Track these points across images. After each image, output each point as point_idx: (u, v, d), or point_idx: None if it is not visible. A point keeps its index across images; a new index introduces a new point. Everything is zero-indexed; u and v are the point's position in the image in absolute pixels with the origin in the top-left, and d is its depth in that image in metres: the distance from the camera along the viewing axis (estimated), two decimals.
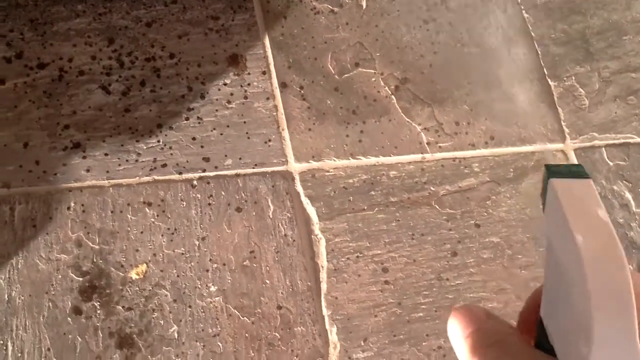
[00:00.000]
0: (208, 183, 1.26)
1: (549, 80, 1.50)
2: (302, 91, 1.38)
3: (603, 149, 1.46)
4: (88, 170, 1.22)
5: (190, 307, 1.16)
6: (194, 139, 1.28)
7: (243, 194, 1.26)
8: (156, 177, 1.24)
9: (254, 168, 1.29)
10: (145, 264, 1.17)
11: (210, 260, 1.20)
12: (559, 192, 0.40)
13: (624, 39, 1.58)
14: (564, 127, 1.46)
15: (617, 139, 1.47)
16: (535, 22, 1.55)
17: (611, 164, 1.44)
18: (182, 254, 1.19)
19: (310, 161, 1.32)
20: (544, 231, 0.42)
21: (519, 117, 1.45)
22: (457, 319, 0.48)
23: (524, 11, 1.56)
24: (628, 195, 1.42)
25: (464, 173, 1.38)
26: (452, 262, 1.30)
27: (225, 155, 1.29)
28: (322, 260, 1.25)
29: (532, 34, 1.54)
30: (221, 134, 1.30)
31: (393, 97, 1.41)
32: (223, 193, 1.26)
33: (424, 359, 1.22)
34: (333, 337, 1.20)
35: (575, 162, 1.43)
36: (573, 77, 1.51)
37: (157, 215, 1.21)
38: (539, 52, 1.52)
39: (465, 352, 0.47)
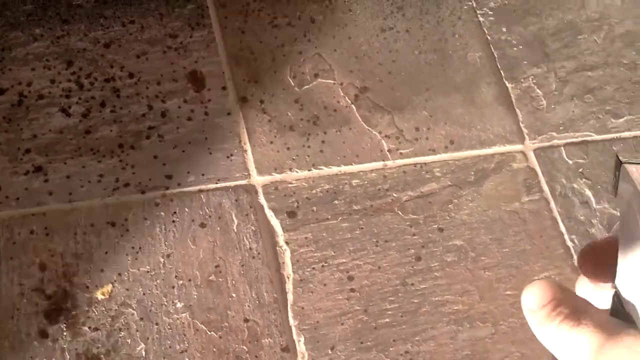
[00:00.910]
0: (171, 200, 1.27)
1: (506, 82, 1.52)
2: (263, 105, 1.39)
3: (562, 148, 1.48)
4: (50, 194, 1.23)
5: (157, 324, 1.17)
6: (155, 157, 1.30)
7: (207, 210, 1.28)
8: (119, 197, 1.25)
9: (216, 183, 1.30)
10: (110, 284, 1.18)
11: (176, 276, 1.21)
12: (633, 174, 0.46)
13: (579, 39, 1.61)
14: (522, 128, 1.48)
15: (576, 138, 1.49)
16: (490, 25, 1.58)
17: (570, 162, 1.47)
18: (148, 272, 1.20)
19: (273, 174, 1.34)
20: (620, 212, 0.49)
21: (477, 121, 1.47)
22: (532, 291, 0.49)
23: (479, 15, 1.58)
24: (588, 193, 1.44)
25: (425, 178, 1.39)
26: (416, 267, 1.31)
27: (188, 172, 1.30)
28: (288, 272, 1.26)
29: (488, 37, 1.56)
30: (183, 151, 1.31)
31: (353, 106, 1.43)
32: (187, 209, 1.27)
33: None
34: (301, 347, 1.21)
35: (535, 162, 1.45)
36: (530, 79, 1.54)
37: (121, 235, 1.22)
38: (496, 55, 1.55)
39: (539, 323, 0.48)
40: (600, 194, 1.45)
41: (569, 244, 1.39)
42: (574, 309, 0.47)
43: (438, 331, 1.27)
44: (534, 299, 0.49)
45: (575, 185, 1.45)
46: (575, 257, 1.38)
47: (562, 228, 1.40)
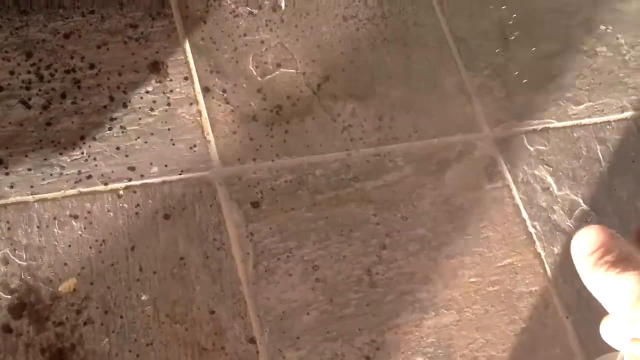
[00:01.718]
0: (134, 192, 1.26)
1: (467, 71, 1.53)
2: (225, 95, 1.39)
3: (523, 135, 1.49)
4: (12, 187, 1.21)
5: (121, 317, 1.17)
6: (118, 148, 1.29)
7: (170, 201, 1.27)
8: (81, 190, 1.24)
9: (180, 174, 1.30)
10: (74, 278, 1.17)
11: (140, 269, 1.21)
12: None
13: (539, 27, 1.62)
14: (484, 117, 1.49)
15: (537, 125, 1.51)
16: (451, 14, 1.58)
17: (532, 149, 1.48)
18: (112, 265, 1.20)
19: (236, 164, 1.34)
20: None
21: (439, 110, 1.48)
22: (581, 238, 0.49)
23: (440, 4, 1.59)
24: (549, 179, 1.46)
25: (388, 167, 1.40)
26: (380, 256, 1.32)
27: (151, 163, 1.29)
28: (252, 263, 1.26)
29: (449, 26, 1.57)
30: (145, 142, 1.31)
31: (316, 95, 1.43)
32: (150, 201, 1.26)
33: (357, 353, 1.24)
34: (266, 338, 1.21)
35: (497, 150, 1.46)
36: (491, 67, 1.55)
37: (84, 228, 1.21)
38: (457, 44, 1.55)
39: (587, 270, 0.48)
40: (562, 180, 1.46)
41: (531, 230, 1.41)
42: (622, 256, 0.47)
43: (403, 319, 1.28)
44: (583, 246, 0.49)
45: (536, 172, 1.46)
46: (537, 243, 1.40)
47: (525, 214, 1.42)
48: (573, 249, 0.50)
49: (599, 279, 0.47)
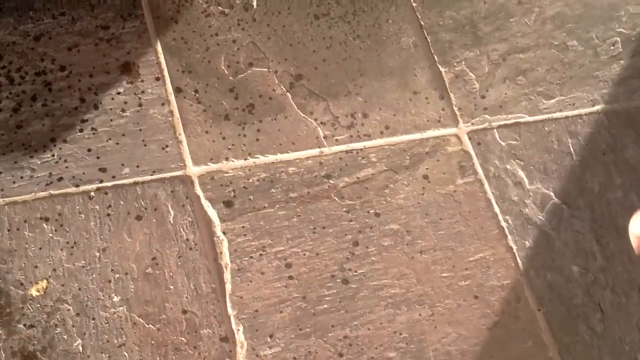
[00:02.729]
0: (106, 193, 1.26)
1: (439, 66, 1.54)
2: (197, 94, 1.39)
3: (495, 130, 1.50)
4: None
5: (93, 319, 1.17)
6: (89, 150, 1.29)
7: (142, 202, 1.27)
8: (52, 192, 1.24)
9: (152, 175, 1.30)
10: (45, 280, 1.17)
11: (112, 270, 1.21)
12: None
13: (510, 21, 1.63)
14: (456, 112, 1.50)
15: (508, 120, 1.52)
16: (423, 10, 1.59)
17: (503, 144, 1.49)
18: (83, 266, 1.20)
19: (209, 164, 1.34)
20: None
21: (412, 105, 1.48)
22: (637, 217, 0.50)
23: (412, 1, 1.59)
24: (521, 173, 1.47)
25: (361, 164, 1.40)
26: (354, 253, 1.33)
27: (122, 164, 1.29)
28: (226, 261, 1.27)
29: (421, 22, 1.58)
30: (117, 144, 1.31)
31: (288, 94, 1.43)
32: (122, 202, 1.26)
33: (330, 350, 1.25)
34: (240, 336, 1.22)
35: (469, 145, 1.47)
36: (463, 62, 1.55)
37: (55, 230, 1.21)
38: (429, 40, 1.56)
39: None
40: (533, 174, 1.47)
41: (503, 224, 1.41)
42: None
43: (376, 315, 1.29)
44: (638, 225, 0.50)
45: (508, 167, 1.47)
46: (509, 236, 1.40)
47: (497, 209, 1.42)
48: (630, 228, 0.51)
49: None
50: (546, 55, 1.60)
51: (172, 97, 1.37)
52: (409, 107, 1.48)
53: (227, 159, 1.35)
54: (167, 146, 1.33)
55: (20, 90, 1.30)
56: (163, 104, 1.36)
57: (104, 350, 1.15)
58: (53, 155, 1.27)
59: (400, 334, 1.28)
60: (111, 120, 1.32)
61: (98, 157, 1.29)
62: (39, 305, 1.16)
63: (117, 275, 1.21)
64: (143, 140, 1.32)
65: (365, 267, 1.32)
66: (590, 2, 1.69)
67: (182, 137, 1.34)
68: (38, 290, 1.16)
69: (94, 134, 1.30)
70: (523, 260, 1.39)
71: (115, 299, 1.19)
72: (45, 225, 1.21)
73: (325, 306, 1.28)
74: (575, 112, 1.55)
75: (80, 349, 1.14)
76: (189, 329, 1.20)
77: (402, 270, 1.33)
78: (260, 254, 1.29)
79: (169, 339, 1.19)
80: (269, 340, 1.23)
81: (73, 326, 1.16)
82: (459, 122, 1.49)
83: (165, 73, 1.39)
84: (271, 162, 1.37)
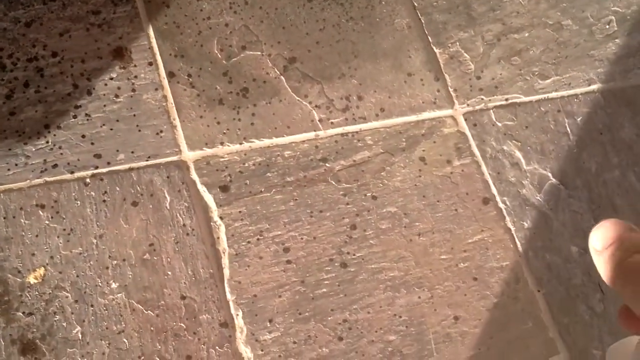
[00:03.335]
0: (101, 180, 1.25)
1: (434, 47, 1.53)
2: (191, 79, 1.38)
3: (491, 111, 1.49)
4: None
5: (92, 306, 1.16)
6: (83, 136, 1.28)
7: (138, 188, 1.26)
8: (47, 179, 1.23)
9: (147, 160, 1.29)
10: (43, 268, 1.16)
11: (110, 257, 1.20)
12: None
13: (504, 1, 1.62)
14: (451, 93, 1.49)
15: (504, 100, 1.51)
16: None
17: (500, 124, 1.48)
18: (80, 253, 1.19)
19: (204, 148, 1.33)
20: None
21: (407, 87, 1.47)
22: (599, 230, 0.49)
23: None
24: (518, 154, 1.46)
25: (357, 147, 1.40)
26: (351, 236, 1.32)
27: (117, 150, 1.28)
28: (223, 246, 1.26)
29: (415, 3, 1.56)
30: (111, 129, 1.29)
31: (282, 77, 1.42)
32: (117, 188, 1.25)
33: (330, 334, 1.24)
34: (239, 321, 1.21)
35: (465, 126, 1.46)
36: (457, 43, 1.55)
37: (52, 217, 1.20)
38: (423, 21, 1.55)
39: (604, 261, 0.48)
40: (530, 154, 1.47)
41: (501, 205, 1.41)
42: (635, 248, 0.48)
43: (375, 298, 1.28)
44: (598, 240, 0.49)
45: (505, 147, 1.46)
46: (507, 218, 1.40)
47: (494, 190, 1.42)
48: (590, 240, 0.50)
49: (613, 271, 0.48)
50: (541, 35, 1.60)
51: (165, 82, 1.36)
52: (404, 89, 1.47)
53: (222, 143, 1.34)
54: (161, 131, 1.32)
55: (13, 76, 1.29)
56: (156, 89, 1.35)
57: (104, 337, 1.14)
58: (47, 142, 1.25)
59: (400, 317, 1.28)
60: (104, 106, 1.31)
61: (92, 143, 1.27)
62: (37, 292, 1.15)
63: (115, 262, 1.20)
64: (137, 126, 1.31)
65: (364, 250, 1.31)
66: None
67: (177, 122, 1.33)
68: (36, 278, 1.15)
69: (87, 120, 1.29)
70: (522, 241, 1.38)
71: (114, 285, 1.18)
72: (41, 213, 1.20)
73: (324, 290, 1.27)
74: (571, 91, 1.55)
75: (80, 336, 1.14)
76: (188, 315, 1.19)
77: (401, 253, 1.33)
78: (258, 239, 1.28)
79: (168, 325, 1.18)
80: (269, 325, 1.22)
81: (72, 313, 1.15)
82: (454, 103, 1.48)
83: (158, 57, 1.38)
84: (267, 146, 1.36)
